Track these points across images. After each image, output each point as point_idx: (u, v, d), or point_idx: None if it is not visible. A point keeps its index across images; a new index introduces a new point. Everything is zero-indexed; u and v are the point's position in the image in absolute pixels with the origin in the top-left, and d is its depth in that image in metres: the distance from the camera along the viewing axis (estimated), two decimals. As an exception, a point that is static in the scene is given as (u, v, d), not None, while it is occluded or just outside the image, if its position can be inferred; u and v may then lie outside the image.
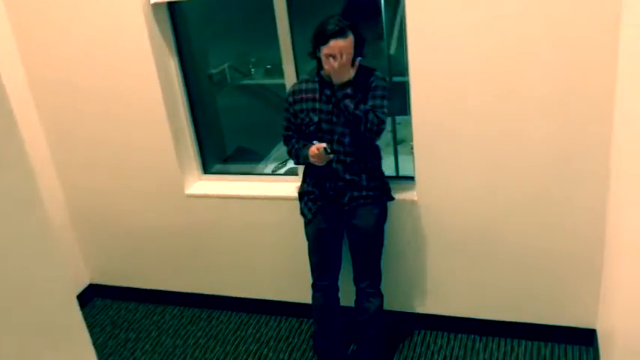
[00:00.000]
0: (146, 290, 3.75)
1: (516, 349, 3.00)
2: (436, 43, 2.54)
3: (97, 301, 3.87)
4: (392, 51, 3.05)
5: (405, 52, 2.66)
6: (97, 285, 3.87)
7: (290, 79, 2.98)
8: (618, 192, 2.36)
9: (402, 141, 3.36)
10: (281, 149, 3.54)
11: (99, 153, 3.38)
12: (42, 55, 3.22)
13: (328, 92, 2.60)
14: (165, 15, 3.07)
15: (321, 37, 2.45)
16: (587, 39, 2.34)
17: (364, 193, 2.68)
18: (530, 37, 2.41)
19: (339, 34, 2.41)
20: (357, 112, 2.48)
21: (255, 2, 2.90)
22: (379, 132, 2.55)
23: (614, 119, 2.40)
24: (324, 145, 2.53)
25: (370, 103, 2.55)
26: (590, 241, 2.68)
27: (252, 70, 4.01)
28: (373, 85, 2.56)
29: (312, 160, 2.59)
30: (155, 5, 2.96)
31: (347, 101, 2.49)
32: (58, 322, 1.44)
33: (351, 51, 2.46)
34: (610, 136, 2.44)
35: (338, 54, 2.43)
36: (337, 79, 2.49)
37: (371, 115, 2.49)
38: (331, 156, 2.56)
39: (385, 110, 2.56)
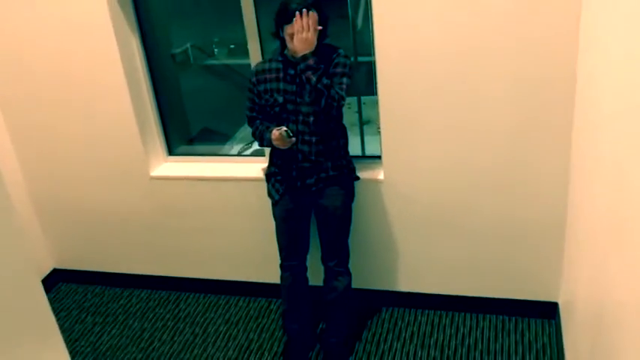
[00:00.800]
0: (112, 274, 3.70)
1: (481, 323, 3.07)
2: (401, 22, 2.55)
3: (62, 285, 3.81)
4: (358, 27, 3.03)
5: (371, 31, 2.66)
6: (61, 270, 3.81)
7: (255, 58, 2.95)
8: (579, 165, 2.42)
9: (369, 121, 3.37)
10: (247, 130, 3.51)
11: (60, 136, 3.30)
12: (1, 34, 3.12)
13: (292, 72, 2.58)
14: (125, -7, 2.99)
15: (285, 16, 2.43)
16: (549, 20, 2.38)
17: (330, 174, 2.69)
18: (497, 17, 2.43)
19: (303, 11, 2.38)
20: (319, 85, 2.46)
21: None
22: (339, 108, 2.55)
23: (576, 93, 2.45)
24: (283, 128, 2.52)
25: (339, 80, 2.54)
26: (552, 216, 2.75)
27: (216, 50, 3.95)
28: (335, 62, 2.55)
29: (275, 143, 2.58)
30: (115, -17, 2.89)
31: (309, 73, 2.46)
32: (24, 307, 1.42)
33: (316, 27, 2.44)
34: (572, 109, 2.49)
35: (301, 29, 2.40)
36: (300, 51, 2.45)
37: (332, 91, 2.49)
38: (293, 139, 2.55)
39: (344, 86, 2.55)
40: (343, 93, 2.53)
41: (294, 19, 2.40)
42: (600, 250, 1.93)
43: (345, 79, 2.55)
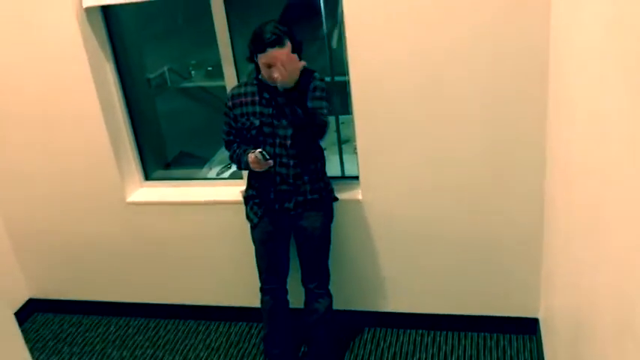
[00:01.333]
0: (89, 302, 3.64)
1: (463, 341, 3.06)
2: (374, 42, 2.57)
3: (38, 315, 3.73)
4: (334, 45, 3.05)
5: (344, 52, 2.68)
6: (37, 299, 3.73)
7: (230, 81, 2.96)
8: (553, 181, 2.44)
9: (347, 140, 3.38)
10: (224, 152, 3.50)
11: (34, 162, 3.26)
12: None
13: (267, 95, 2.59)
14: (99, 18, 2.98)
15: (258, 45, 2.42)
16: (520, 38, 2.42)
17: (309, 197, 2.68)
18: (468, 36, 2.46)
19: (276, 43, 2.38)
20: (306, 117, 2.46)
21: (193, 3, 2.85)
22: (323, 133, 2.56)
23: (548, 109, 2.48)
24: (258, 150, 2.52)
25: (310, 105, 2.54)
26: (529, 232, 2.77)
27: (193, 72, 3.95)
28: (312, 86, 2.56)
29: (252, 166, 2.57)
30: (88, 9, 2.88)
31: (294, 107, 2.45)
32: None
33: (291, 57, 2.41)
34: (545, 125, 2.52)
35: (277, 63, 2.39)
36: (281, 86, 2.44)
37: (318, 118, 2.50)
38: (270, 162, 2.54)
39: (325, 111, 2.56)
40: (325, 118, 2.54)
41: (267, 49, 2.39)
42: (576, 264, 1.94)
43: (324, 104, 2.56)
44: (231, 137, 2.73)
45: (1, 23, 2.93)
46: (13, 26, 2.93)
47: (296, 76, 2.42)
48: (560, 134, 2.24)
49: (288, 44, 2.42)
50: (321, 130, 2.54)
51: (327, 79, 2.99)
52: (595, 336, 1.66)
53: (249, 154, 2.55)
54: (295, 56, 2.43)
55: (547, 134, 2.53)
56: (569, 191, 2.06)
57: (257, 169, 2.59)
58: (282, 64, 2.37)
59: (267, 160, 2.52)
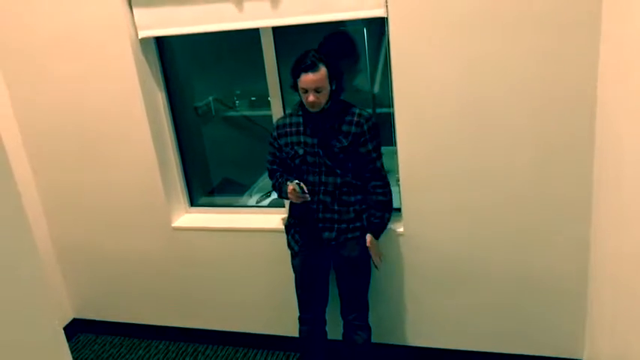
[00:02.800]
0: (131, 324, 3.70)
1: (504, 380, 2.99)
2: (420, 74, 2.59)
3: (81, 336, 3.81)
4: (376, 89, 3.10)
5: (389, 85, 2.71)
6: (81, 319, 3.81)
7: (277, 112, 3.02)
8: (601, 216, 2.40)
9: (388, 171, 3.38)
10: (265, 180, 3.55)
11: (85, 186, 3.37)
12: (28, 89, 3.22)
13: (312, 125, 2.64)
14: (152, 48, 3.10)
15: (295, 71, 2.51)
16: (567, 70, 2.41)
17: (351, 226, 2.69)
18: (515, 69, 2.47)
19: (310, 68, 2.46)
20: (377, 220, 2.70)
21: (240, 35, 2.94)
22: (389, 185, 2.70)
23: (595, 143, 2.45)
24: (296, 182, 2.56)
25: (365, 149, 2.61)
26: (574, 270, 2.71)
27: (237, 102, 4.04)
28: (365, 127, 2.60)
29: (289, 197, 2.62)
30: (143, 39, 2.99)
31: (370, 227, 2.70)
32: (46, 357, 1.42)
33: (325, 84, 2.50)
34: (592, 159, 2.49)
35: (310, 88, 2.48)
36: (312, 109, 2.57)
37: (381, 204, 2.69)
38: (307, 197, 2.57)
39: (379, 153, 2.66)
40: (384, 172, 2.69)
41: (302, 74, 2.48)
42: (624, 305, 1.89)
43: (378, 144, 2.66)
44: (275, 166, 2.78)
45: (59, 52, 3.07)
46: (70, 56, 3.06)
47: (321, 104, 2.54)
48: (609, 175, 2.20)
49: (323, 70, 2.48)
50: (388, 198, 2.72)
51: (369, 110, 3.02)
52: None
53: (289, 185, 2.59)
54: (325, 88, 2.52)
55: (595, 175, 2.49)
56: (619, 234, 2.01)
57: (294, 201, 2.63)
58: (316, 89, 2.48)
59: (304, 193, 2.55)
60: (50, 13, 3.00)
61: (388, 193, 2.68)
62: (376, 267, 2.77)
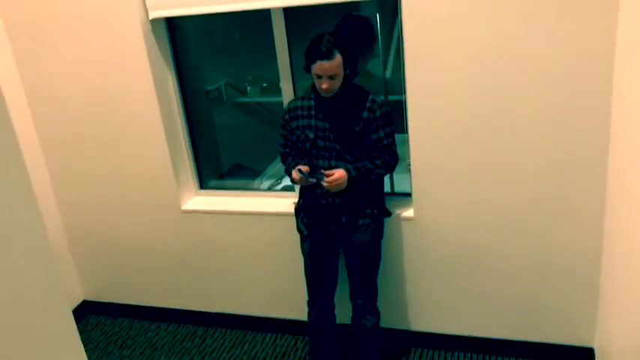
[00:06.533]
0: (140, 307, 3.72)
1: (513, 367, 2.99)
2: (433, 61, 2.56)
3: (91, 317, 3.84)
4: (388, 75, 3.07)
5: (401, 71, 2.68)
6: (90, 302, 3.84)
7: (287, 96, 3.00)
8: (614, 209, 2.37)
9: (400, 159, 3.36)
10: (277, 166, 3.54)
11: (95, 169, 3.37)
12: (39, 73, 3.22)
13: (324, 109, 2.61)
14: (163, 30, 3.08)
15: (310, 57, 2.48)
16: (583, 61, 2.37)
17: (361, 212, 2.68)
18: (530, 58, 2.43)
19: (325, 55, 2.43)
20: (362, 177, 2.58)
21: (253, 20, 2.92)
22: (394, 167, 2.66)
23: (611, 133, 2.42)
24: (298, 167, 2.55)
25: (377, 135, 2.59)
26: (587, 258, 2.69)
27: (249, 88, 4.02)
28: (378, 114, 2.58)
29: (295, 180, 2.60)
30: (154, 20, 2.97)
31: (351, 168, 2.56)
32: (54, 337, 1.43)
33: (339, 72, 2.48)
34: (607, 150, 2.46)
35: (325, 75, 2.46)
36: (325, 94, 2.55)
37: (375, 168, 2.59)
38: (312, 180, 2.55)
39: (392, 140, 2.62)
40: (395, 148, 2.64)
41: (317, 61, 2.45)
42: (638, 294, 1.87)
43: (391, 130, 2.62)
44: (287, 150, 2.76)
45: (69, 33, 3.06)
46: (80, 36, 3.06)
47: (334, 89, 2.52)
48: (623, 159, 2.17)
49: (339, 58, 2.45)
50: (393, 165, 2.65)
51: (382, 97, 3.00)
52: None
53: (293, 171, 2.58)
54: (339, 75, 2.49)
55: (609, 159, 2.46)
56: (633, 221, 1.99)
57: (299, 184, 2.62)
58: (331, 76, 2.46)
59: (307, 179, 2.53)
60: (61, -6, 2.99)
61: (388, 169, 2.64)
62: (321, 183, 2.55)
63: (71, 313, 1.50)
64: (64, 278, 3.65)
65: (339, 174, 2.53)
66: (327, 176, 2.52)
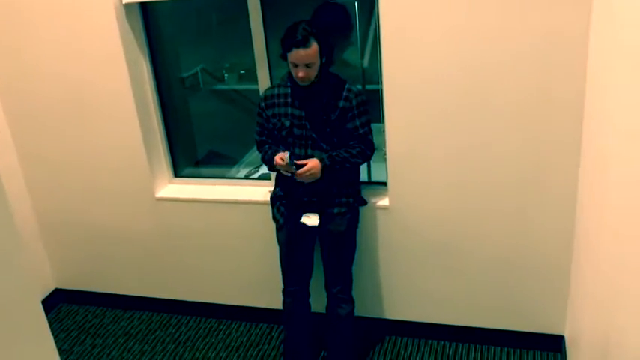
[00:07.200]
0: (114, 295, 3.68)
1: (485, 354, 3.02)
2: (409, 51, 2.56)
3: (63, 306, 3.79)
4: (365, 64, 3.06)
5: (378, 61, 2.68)
6: (63, 290, 3.79)
7: (263, 84, 2.97)
8: (585, 200, 2.40)
9: (376, 149, 3.37)
10: (254, 154, 3.52)
11: (67, 156, 3.32)
12: (10, 55, 3.15)
13: (300, 97, 2.60)
14: (137, 15, 3.03)
15: (286, 45, 2.46)
16: (557, 51, 2.38)
17: (337, 201, 2.68)
18: (504, 47, 2.44)
19: (302, 44, 2.41)
20: (337, 166, 2.58)
21: (230, 7, 2.88)
22: (370, 157, 2.66)
23: (582, 129, 2.44)
24: (287, 154, 2.53)
25: (352, 124, 2.59)
26: (558, 248, 2.72)
27: (226, 75, 3.98)
28: (354, 102, 2.57)
29: (276, 165, 2.59)
30: (127, 5, 2.92)
31: (325, 157, 2.56)
32: (23, 327, 1.40)
33: (316, 60, 2.47)
34: (579, 140, 2.49)
35: (301, 63, 2.45)
36: (301, 83, 2.54)
37: (350, 157, 2.59)
38: (292, 170, 2.54)
39: (368, 129, 2.62)
40: (371, 138, 2.64)
41: (292, 49, 2.43)
42: (606, 282, 1.90)
43: (368, 119, 2.62)
44: (264, 138, 2.75)
45: (42, 18, 2.99)
46: (51, 21, 2.99)
47: (311, 78, 2.51)
48: (595, 150, 2.20)
49: (315, 46, 2.44)
50: (369, 154, 2.66)
51: (359, 86, 2.99)
52: (624, 357, 1.62)
53: (276, 157, 2.56)
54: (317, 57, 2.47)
55: (582, 151, 2.49)
56: (602, 210, 2.02)
57: (282, 170, 2.60)
58: (307, 64, 2.44)
59: (291, 166, 2.52)
60: (32, -24, 2.92)
61: (364, 158, 2.65)
62: (292, 173, 2.57)
63: (40, 301, 1.48)
64: (34, 265, 3.60)
65: (311, 164, 2.52)
66: (298, 167, 2.51)
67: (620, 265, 1.70)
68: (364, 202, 2.85)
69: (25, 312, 1.42)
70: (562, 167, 2.57)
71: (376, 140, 2.70)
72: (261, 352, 3.21)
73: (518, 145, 2.59)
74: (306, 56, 2.43)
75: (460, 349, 3.07)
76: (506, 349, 3.04)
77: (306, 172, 2.51)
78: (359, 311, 2.96)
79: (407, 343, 3.16)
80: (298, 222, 2.71)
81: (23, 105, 3.26)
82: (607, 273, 1.89)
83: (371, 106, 2.67)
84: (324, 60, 2.51)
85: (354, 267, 2.84)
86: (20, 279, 1.39)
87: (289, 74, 2.60)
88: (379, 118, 2.81)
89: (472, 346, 3.08)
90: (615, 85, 1.85)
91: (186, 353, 3.26)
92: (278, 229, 2.81)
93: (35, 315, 1.47)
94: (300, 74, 2.48)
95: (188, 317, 3.55)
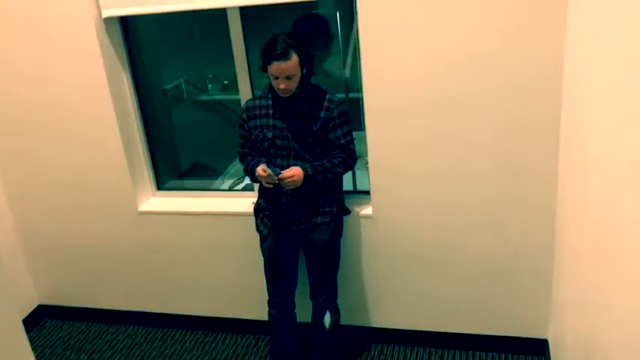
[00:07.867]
0: (98, 310, 3.65)
1: (471, 359, 3.04)
2: (389, 60, 2.58)
3: (47, 322, 3.75)
4: (347, 74, 3.08)
5: (358, 69, 2.69)
6: (46, 306, 3.75)
7: (245, 94, 2.98)
8: (565, 202, 2.43)
9: (359, 156, 3.38)
10: (238, 165, 3.52)
11: (48, 170, 3.30)
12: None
13: (281, 109, 2.61)
14: (117, 28, 3.03)
15: (266, 58, 2.47)
16: (534, 61, 2.42)
17: (320, 210, 2.69)
18: (482, 57, 2.47)
19: (282, 56, 2.42)
20: (319, 176, 2.59)
21: (212, 17, 2.89)
22: (352, 166, 2.67)
23: (560, 131, 2.48)
24: (264, 167, 2.53)
25: (334, 134, 2.60)
26: (540, 253, 2.75)
27: (209, 85, 3.98)
28: (335, 113, 2.59)
29: (259, 177, 2.58)
30: (107, 19, 2.92)
31: (307, 167, 2.56)
32: (2, 344, 1.39)
33: (296, 72, 2.47)
34: (557, 149, 2.52)
35: (281, 76, 2.45)
36: (282, 95, 2.55)
37: (332, 167, 2.61)
38: (276, 179, 2.53)
39: (350, 138, 2.64)
40: (353, 147, 2.65)
41: (273, 62, 2.44)
42: (587, 286, 1.92)
43: (349, 128, 2.64)
44: (246, 149, 2.75)
45: (21, 31, 2.98)
46: (31, 35, 2.98)
47: (291, 91, 2.53)
48: (573, 158, 2.23)
49: (295, 58, 2.45)
50: (351, 164, 2.67)
51: (341, 95, 3.00)
52: (607, 358, 1.63)
53: (258, 168, 2.56)
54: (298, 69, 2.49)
55: (559, 158, 2.52)
56: (581, 214, 2.04)
57: (264, 182, 2.60)
58: (288, 76, 2.46)
59: (274, 177, 2.52)
60: (10, -9, 2.91)
61: (346, 167, 2.66)
62: (274, 184, 2.58)
63: (20, 317, 1.47)
64: (17, 282, 3.56)
65: (294, 171, 2.53)
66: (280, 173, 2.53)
67: (600, 269, 1.72)
68: (348, 212, 2.86)
69: (4, 329, 1.41)
70: (541, 175, 2.60)
71: (359, 148, 2.72)
72: (247, 364, 3.20)
73: (499, 154, 2.62)
74: (287, 68, 2.44)
75: (446, 356, 3.08)
76: (491, 354, 3.05)
77: (288, 177, 2.51)
78: (345, 320, 2.96)
79: (393, 350, 3.17)
80: (282, 233, 2.72)
81: (3, 120, 3.24)
82: (588, 276, 1.91)
83: (355, 114, 2.68)
84: (304, 71, 2.52)
85: (338, 276, 2.84)
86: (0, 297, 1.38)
87: (270, 85, 2.61)
88: (362, 126, 2.82)
89: (457, 352, 3.09)
90: (591, 94, 1.88)
91: (173, 367, 3.24)
92: (262, 240, 2.81)
93: (15, 332, 1.46)
94: (282, 86, 2.49)
95: (174, 330, 3.53)
